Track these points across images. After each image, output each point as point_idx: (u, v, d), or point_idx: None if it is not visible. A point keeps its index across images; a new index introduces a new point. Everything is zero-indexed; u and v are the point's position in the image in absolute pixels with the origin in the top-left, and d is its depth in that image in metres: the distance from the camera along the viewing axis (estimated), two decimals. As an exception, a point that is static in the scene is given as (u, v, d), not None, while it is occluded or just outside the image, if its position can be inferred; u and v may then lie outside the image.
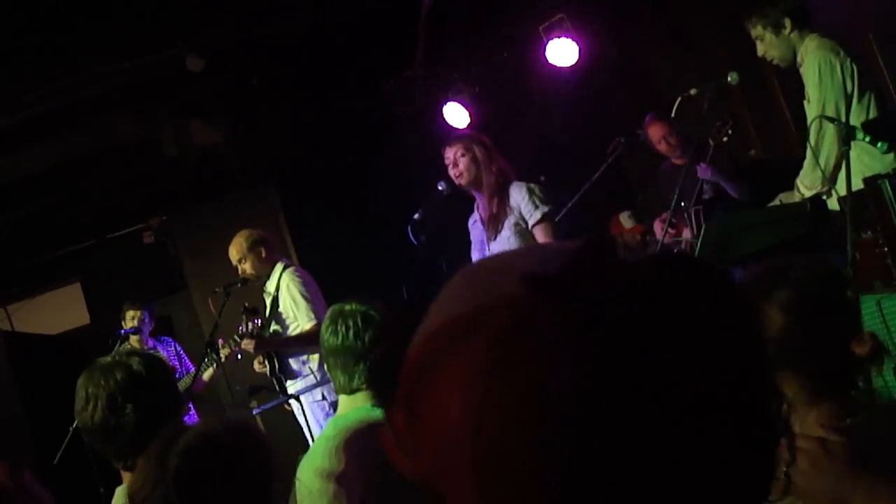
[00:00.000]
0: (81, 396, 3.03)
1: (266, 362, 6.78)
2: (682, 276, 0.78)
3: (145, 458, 2.28)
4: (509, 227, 5.84)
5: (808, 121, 5.20)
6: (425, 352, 0.76)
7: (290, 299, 6.72)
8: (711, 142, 6.56)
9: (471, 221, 6.23)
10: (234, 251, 6.91)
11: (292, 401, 6.59)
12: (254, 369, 6.91)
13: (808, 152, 5.19)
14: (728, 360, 0.75)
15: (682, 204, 6.58)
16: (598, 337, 0.70)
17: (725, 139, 6.54)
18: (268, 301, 6.89)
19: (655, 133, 7.34)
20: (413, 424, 0.77)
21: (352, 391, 3.23)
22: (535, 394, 0.69)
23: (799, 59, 5.28)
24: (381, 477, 2.86)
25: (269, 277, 6.88)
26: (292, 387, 6.73)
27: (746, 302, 0.81)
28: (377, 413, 3.17)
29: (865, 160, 4.97)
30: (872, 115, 5.08)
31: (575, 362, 0.69)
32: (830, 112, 5.03)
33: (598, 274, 0.74)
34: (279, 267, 6.87)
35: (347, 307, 3.31)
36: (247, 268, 6.88)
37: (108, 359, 3.22)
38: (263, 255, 6.88)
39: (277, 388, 6.80)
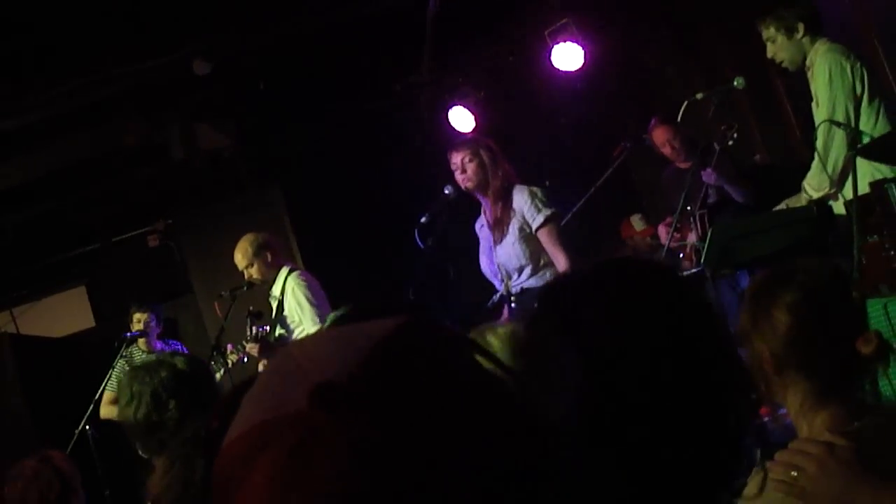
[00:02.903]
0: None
1: (272, 366, 6.78)
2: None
3: (168, 459, 2.28)
4: (513, 231, 5.84)
5: (816, 123, 5.23)
6: (230, 456, 0.75)
7: (295, 303, 6.71)
8: (717, 147, 6.56)
9: (478, 226, 6.23)
10: (240, 256, 6.90)
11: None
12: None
13: (817, 155, 5.21)
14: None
15: (688, 208, 6.58)
16: (388, 458, 0.69)
17: (731, 143, 6.55)
18: (273, 305, 6.89)
19: (660, 136, 7.34)
20: None
21: None
22: None
23: (808, 62, 5.31)
24: None
25: (274, 282, 6.87)
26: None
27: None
28: None
29: (874, 162, 5.00)
30: (881, 118, 5.11)
31: (364, 486, 0.68)
32: (840, 113, 5.07)
33: (394, 374, 0.73)
34: (284, 271, 6.85)
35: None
36: (253, 272, 6.86)
37: (153, 359, 3.36)
38: (269, 259, 6.87)
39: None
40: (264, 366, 6.80)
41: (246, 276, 6.93)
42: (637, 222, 8.51)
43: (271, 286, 6.90)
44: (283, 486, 0.70)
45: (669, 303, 1.31)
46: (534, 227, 5.81)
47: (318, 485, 0.69)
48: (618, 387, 1.22)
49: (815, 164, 5.25)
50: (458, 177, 5.97)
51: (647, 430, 1.22)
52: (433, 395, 0.73)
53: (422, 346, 0.77)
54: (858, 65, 5.18)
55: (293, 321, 6.74)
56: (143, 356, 7.87)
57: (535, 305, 1.39)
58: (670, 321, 1.29)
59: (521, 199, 5.87)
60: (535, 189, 5.93)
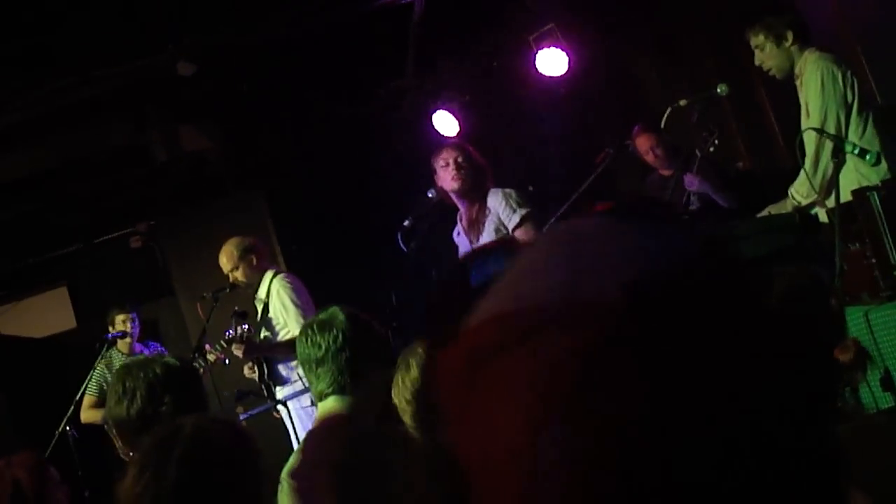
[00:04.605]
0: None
1: (256, 368, 6.77)
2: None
3: (138, 465, 2.27)
4: (489, 233, 5.84)
5: (802, 129, 5.26)
6: (495, 333, 0.66)
7: (280, 305, 6.70)
8: (698, 153, 6.57)
9: (454, 234, 6.22)
10: (226, 259, 6.88)
11: (280, 406, 6.56)
12: (242, 374, 6.90)
13: (807, 161, 5.24)
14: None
15: (671, 214, 6.58)
16: (689, 390, 0.62)
17: (712, 150, 6.56)
18: (259, 308, 6.88)
19: (643, 144, 7.34)
20: (461, 421, 0.68)
21: (322, 397, 3.31)
22: (613, 443, 0.62)
23: (797, 71, 5.36)
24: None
25: (259, 284, 6.86)
26: (280, 392, 6.70)
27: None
28: (340, 404, 3.27)
29: (862, 170, 5.04)
30: (869, 128, 5.16)
31: (655, 408, 0.62)
32: (831, 121, 5.12)
33: (704, 297, 0.66)
34: (269, 274, 6.85)
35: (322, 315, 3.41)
36: (238, 276, 6.85)
37: (141, 357, 3.40)
38: (254, 262, 6.87)
39: (266, 393, 6.77)
40: (248, 367, 6.80)
41: (231, 280, 6.92)
42: None
43: (257, 289, 6.89)
44: (580, 377, 0.62)
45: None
46: (510, 227, 5.81)
47: (613, 397, 0.61)
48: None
49: (804, 170, 5.27)
50: (448, 173, 5.93)
51: None
52: (737, 328, 0.66)
53: (728, 275, 0.71)
54: (849, 73, 5.23)
55: (278, 323, 6.75)
56: (123, 358, 7.85)
57: None
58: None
59: (496, 201, 5.88)
60: (508, 190, 5.93)
